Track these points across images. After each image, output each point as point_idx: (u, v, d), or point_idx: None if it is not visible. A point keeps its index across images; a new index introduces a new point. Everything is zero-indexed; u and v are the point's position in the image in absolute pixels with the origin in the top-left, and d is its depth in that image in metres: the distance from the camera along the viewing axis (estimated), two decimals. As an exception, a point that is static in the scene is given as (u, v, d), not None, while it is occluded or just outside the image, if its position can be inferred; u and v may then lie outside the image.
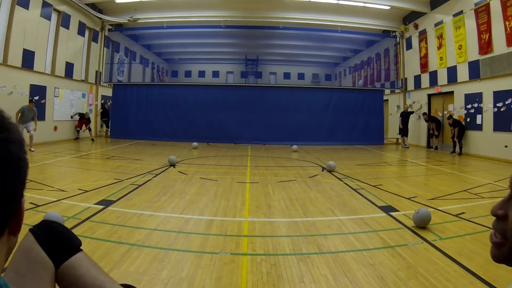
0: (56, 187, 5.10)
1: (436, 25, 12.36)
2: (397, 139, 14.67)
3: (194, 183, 5.78)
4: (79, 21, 13.20)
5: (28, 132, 9.63)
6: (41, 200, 4.28)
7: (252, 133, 13.79)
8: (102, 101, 15.70)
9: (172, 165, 7.44)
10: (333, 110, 14.21)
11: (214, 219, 3.86)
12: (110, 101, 15.33)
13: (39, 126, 11.15)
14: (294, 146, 11.84)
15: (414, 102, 14.26)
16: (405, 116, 13.56)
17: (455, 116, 11.34)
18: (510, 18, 8.80)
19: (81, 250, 1.19)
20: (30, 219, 3.56)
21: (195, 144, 11.67)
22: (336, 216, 4.04)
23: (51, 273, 1.05)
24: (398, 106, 15.12)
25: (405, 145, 13.41)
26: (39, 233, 1.07)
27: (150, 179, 5.96)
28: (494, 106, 9.46)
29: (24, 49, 10.21)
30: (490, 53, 9.65)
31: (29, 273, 0.97)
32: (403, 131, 13.42)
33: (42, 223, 1.16)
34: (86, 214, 3.83)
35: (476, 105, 10.36)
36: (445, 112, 12.30)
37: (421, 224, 3.59)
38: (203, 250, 2.95)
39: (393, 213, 4.14)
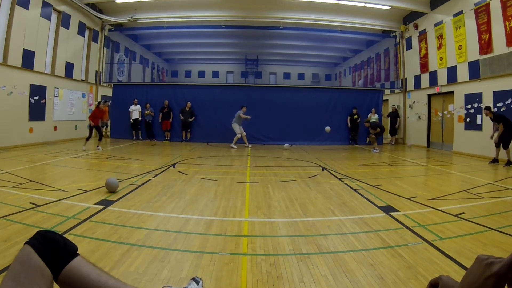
0: (56, 187, 5.10)
1: (436, 25, 12.36)
2: (397, 139, 14.81)
3: (194, 183, 5.78)
4: (79, 21, 13.21)
5: (242, 133, 12.18)
6: (41, 200, 4.28)
7: (252, 133, 13.79)
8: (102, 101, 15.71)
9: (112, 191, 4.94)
10: (333, 110, 14.22)
11: (214, 219, 3.86)
12: (110, 101, 15.33)
13: (39, 126, 11.20)
14: (286, 145, 11.98)
15: (414, 102, 14.29)
16: (393, 116, 14.17)
17: (456, 115, 11.42)
18: (510, 18, 8.80)
19: (78, 254, 1.22)
20: (30, 219, 3.56)
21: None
22: (336, 216, 4.04)
23: (49, 281, 1.08)
24: (398, 106, 15.14)
25: (392, 142, 13.65)
26: (36, 244, 1.10)
27: (150, 179, 5.96)
28: (494, 106, 9.47)
29: (24, 49, 10.21)
30: (490, 53, 9.66)
31: (27, 281, 1.00)
32: (393, 131, 14.01)
33: (38, 234, 1.19)
34: (86, 214, 3.83)
35: (476, 105, 10.37)
36: (445, 112, 12.32)
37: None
38: (203, 250, 2.95)
39: (393, 213, 4.14)
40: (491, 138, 8.88)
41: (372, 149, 11.68)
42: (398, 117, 14.70)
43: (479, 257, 0.68)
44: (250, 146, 12.42)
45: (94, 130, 10.48)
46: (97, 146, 10.34)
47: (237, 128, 12.24)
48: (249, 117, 12.19)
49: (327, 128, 11.79)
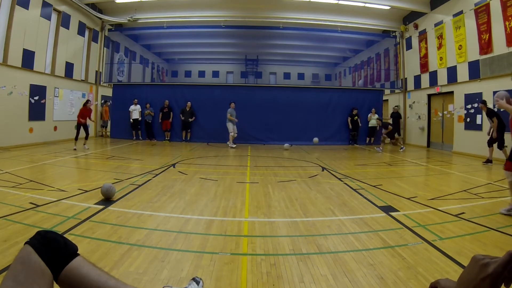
0: (56, 187, 5.10)
1: (436, 25, 12.37)
2: (396, 139, 14.78)
3: (194, 183, 5.78)
4: (79, 21, 13.21)
5: (235, 132, 12.43)
6: (41, 200, 4.28)
7: (252, 133, 13.81)
8: (102, 101, 15.73)
9: (108, 197, 4.60)
10: (333, 110, 14.23)
11: (214, 219, 3.86)
12: (110, 101, 15.35)
13: (39, 126, 11.20)
14: (286, 145, 12.00)
15: (414, 102, 14.28)
16: (395, 117, 14.03)
17: (456, 115, 11.44)
18: (510, 18, 8.80)
19: (78, 254, 1.22)
20: (30, 219, 3.56)
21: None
22: (336, 216, 4.04)
23: (49, 281, 1.08)
24: (398, 106, 15.11)
25: (399, 143, 13.66)
26: (36, 244, 1.10)
27: (150, 179, 5.96)
28: (494, 106, 9.45)
29: (24, 49, 10.21)
30: (490, 53, 9.65)
31: (27, 281, 1.00)
32: (397, 131, 13.89)
33: (38, 234, 1.19)
34: (86, 214, 3.83)
35: (476, 105, 10.36)
36: (445, 112, 12.32)
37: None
38: (203, 250, 2.95)
39: (393, 213, 4.14)
40: (488, 134, 8.89)
41: (377, 148, 11.71)
42: (400, 117, 14.46)
43: (474, 257, 0.67)
44: (234, 146, 12.35)
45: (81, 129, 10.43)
46: (84, 145, 10.36)
47: (230, 127, 12.41)
48: (236, 120, 12.41)
49: (315, 140, 11.86)
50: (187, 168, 7.46)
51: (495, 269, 0.62)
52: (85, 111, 10.37)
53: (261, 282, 2.39)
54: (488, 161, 8.78)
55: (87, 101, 10.73)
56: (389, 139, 12.04)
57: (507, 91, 9.29)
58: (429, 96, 13.32)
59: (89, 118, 10.57)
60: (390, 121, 14.54)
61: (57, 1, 11.59)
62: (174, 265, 2.62)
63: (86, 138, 10.59)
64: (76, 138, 10.30)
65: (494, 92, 9.59)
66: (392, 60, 15.61)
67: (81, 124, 10.29)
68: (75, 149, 9.85)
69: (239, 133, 13.54)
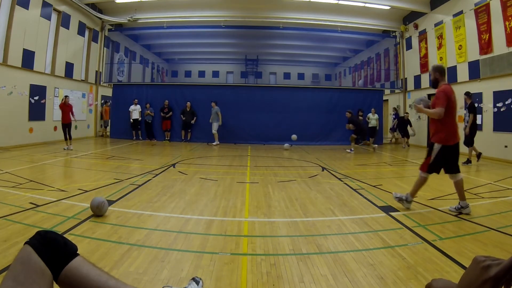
0: (56, 187, 5.10)
1: (436, 25, 12.37)
2: (397, 139, 14.78)
3: (194, 183, 5.78)
4: (79, 21, 13.21)
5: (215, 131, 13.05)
6: (41, 200, 4.28)
7: (252, 133, 13.80)
8: (102, 101, 15.73)
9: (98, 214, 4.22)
10: (333, 110, 14.21)
11: (214, 219, 3.86)
12: (110, 101, 15.35)
13: (39, 126, 11.20)
14: (286, 145, 12.00)
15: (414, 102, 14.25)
16: (401, 121, 13.81)
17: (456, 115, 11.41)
18: (510, 18, 8.81)
19: (78, 254, 1.22)
20: (30, 219, 3.56)
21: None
22: (336, 216, 4.04)
23: (49, 281, 1.08)
24: (398, 106, 15.10)
25: (405, 145, 13.61)
26: (36, 244, 1.10)
27: (150, 179, 5.96)
28: (494, 106, 9.47)
29: (24, 49, 10.22)
30: (490, 53, 9.66)
31: (27, 281, 1.00)
32: (404, 133, 13.74)
33: (38, 234, 1.19)
34: (86, 214, 3.83)
35: (476, 105, 10.35)
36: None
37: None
38: (203, 250, 2.95)
39: (393, 213, 4.14)
40: (464, 129, 8.62)
41: (348, 149, 11.36)
42: (409, 124, 13.64)
43: (476, 258, 0.67)
44: (215, 144, 12.94)
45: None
46: (68, 145, 10.06)
47: (213, 126, 13.03)
48: (218, 120, 13.03)
49: (293, 136, 11.88)
50: (187, 168, 7.46)
51: (497, 272, 0.61)
52: (64, 107, 10.04)
53: (261, 282, 2.39)
54: (479, 155, 8.66)
55: (65, 96, 10.30)
56: (359, 141, 11.77)
57: (507, 91, 9.36)
58: (429, 96, 13.28)
59: (72, 115, 10.18)
60: (396, 123, 14.28)
61: (57, 1, 11.59)
62: (174, 265, 2.61)
63: (70, 138, 10.29)
64: (65, 138, 10.19)
65: (494, 92, 9.60)
66: (392, 60, 15.62)
67: (67, 125, 10.11)
68: (65, 149, 9.84)
69: (239, 133, 13.61)
